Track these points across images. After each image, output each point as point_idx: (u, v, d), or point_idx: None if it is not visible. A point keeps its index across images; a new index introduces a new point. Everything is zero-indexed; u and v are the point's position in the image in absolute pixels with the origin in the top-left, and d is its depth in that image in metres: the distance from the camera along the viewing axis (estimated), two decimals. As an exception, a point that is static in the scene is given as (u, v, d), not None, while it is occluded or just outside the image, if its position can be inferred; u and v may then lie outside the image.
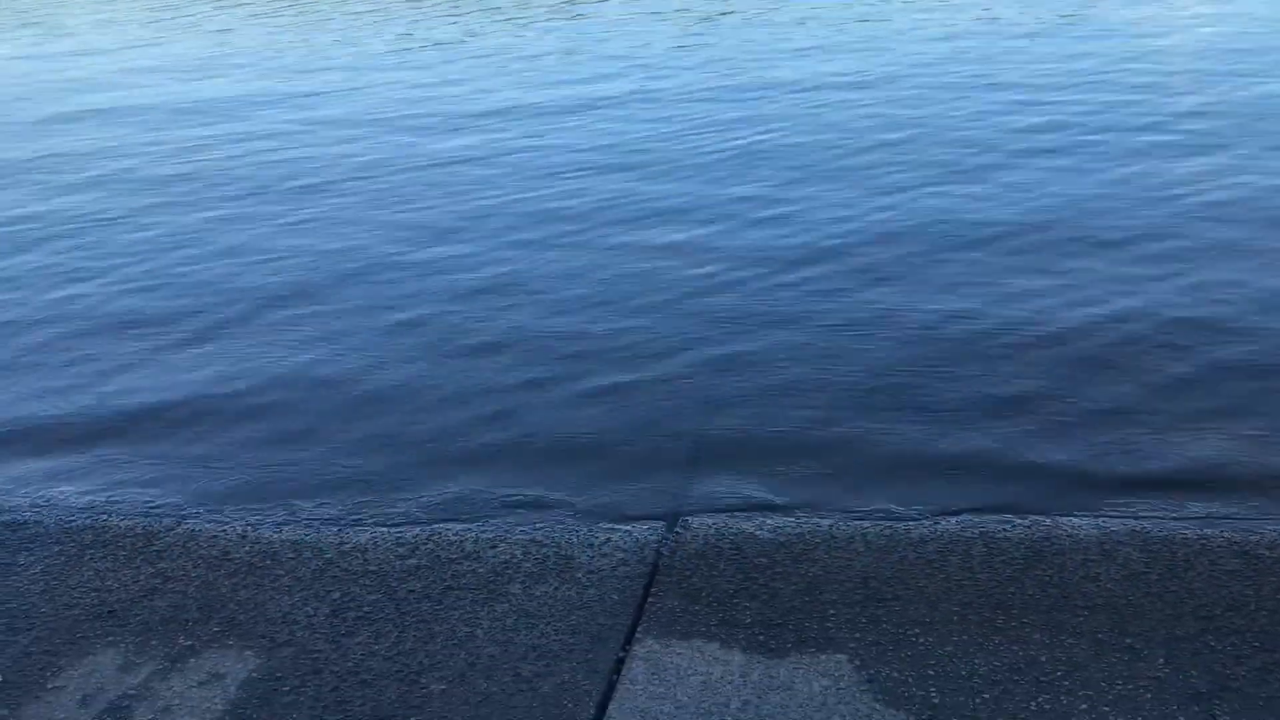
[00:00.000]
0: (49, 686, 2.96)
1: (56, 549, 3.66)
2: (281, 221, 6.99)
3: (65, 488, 4.12)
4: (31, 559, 3.60)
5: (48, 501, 4.01)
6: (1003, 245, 5.79)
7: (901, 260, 5.68)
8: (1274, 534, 3.34)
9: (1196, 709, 2.64)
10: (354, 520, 3.77)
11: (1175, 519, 3.49)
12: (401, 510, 3.83)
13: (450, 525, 3.69)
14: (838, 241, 5.98)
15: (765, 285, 5.50)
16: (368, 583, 3.36)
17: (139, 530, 3.75)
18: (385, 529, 3.69)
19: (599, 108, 9.47)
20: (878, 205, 6.48)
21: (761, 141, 8.08)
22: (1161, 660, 2.81)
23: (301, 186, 7.74)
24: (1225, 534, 3.35)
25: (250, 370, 4.99)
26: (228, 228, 6.97)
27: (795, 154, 7.70)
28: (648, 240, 6.24)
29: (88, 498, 4.02)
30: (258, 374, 4.94)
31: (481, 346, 5.06)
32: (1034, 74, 9.63)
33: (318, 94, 10.83)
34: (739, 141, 8.13)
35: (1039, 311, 4.98)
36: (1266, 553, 3.23)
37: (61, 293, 6.09)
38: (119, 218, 7.32)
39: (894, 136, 7.97)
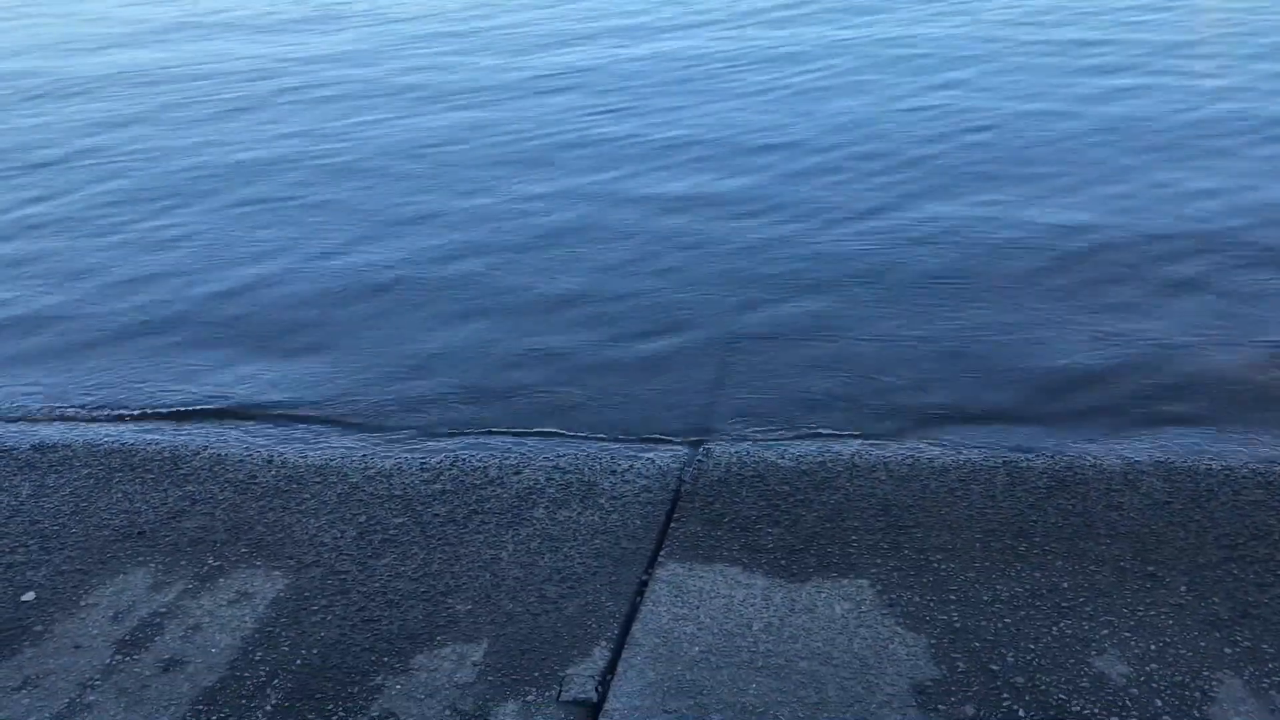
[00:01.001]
0: (82, 604, 3.01)
1: (85, 472, 3.70)
2: (305, 199, 6.65)
3: (102, 411, 4.15)
4: (61, 481, 3.65)
5: (76, 429, 4.05)
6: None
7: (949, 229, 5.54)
8: (1299, 465, 3.34)
9: (1217, 635, 2.66)
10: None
11: (1199, 450, 3.49)
12: (432, 445, 3.84)
13: (475, 451, 3.71)
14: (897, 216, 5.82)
15: (808, 251, 5.41)
16: (393, 507, 3.39)
17: (166, 454, 3.78)
18: (410, 455, 3.72)
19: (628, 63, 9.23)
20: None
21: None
22: (1184, 587, 2.82)
23: (337, 162, 7.29)
24: (1250, 465, 3.35)
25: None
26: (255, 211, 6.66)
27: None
28: (694, 201, 6.15)
29: (119, 429, 4.04)
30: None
31: (527, 301, 5.06)
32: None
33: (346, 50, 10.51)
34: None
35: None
36: (1291, 483, 3.24)
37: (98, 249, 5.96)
38: (207, 192, 6.86)
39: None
